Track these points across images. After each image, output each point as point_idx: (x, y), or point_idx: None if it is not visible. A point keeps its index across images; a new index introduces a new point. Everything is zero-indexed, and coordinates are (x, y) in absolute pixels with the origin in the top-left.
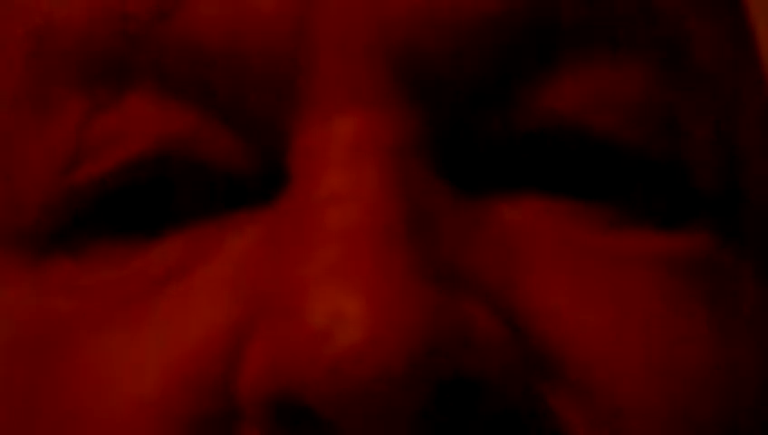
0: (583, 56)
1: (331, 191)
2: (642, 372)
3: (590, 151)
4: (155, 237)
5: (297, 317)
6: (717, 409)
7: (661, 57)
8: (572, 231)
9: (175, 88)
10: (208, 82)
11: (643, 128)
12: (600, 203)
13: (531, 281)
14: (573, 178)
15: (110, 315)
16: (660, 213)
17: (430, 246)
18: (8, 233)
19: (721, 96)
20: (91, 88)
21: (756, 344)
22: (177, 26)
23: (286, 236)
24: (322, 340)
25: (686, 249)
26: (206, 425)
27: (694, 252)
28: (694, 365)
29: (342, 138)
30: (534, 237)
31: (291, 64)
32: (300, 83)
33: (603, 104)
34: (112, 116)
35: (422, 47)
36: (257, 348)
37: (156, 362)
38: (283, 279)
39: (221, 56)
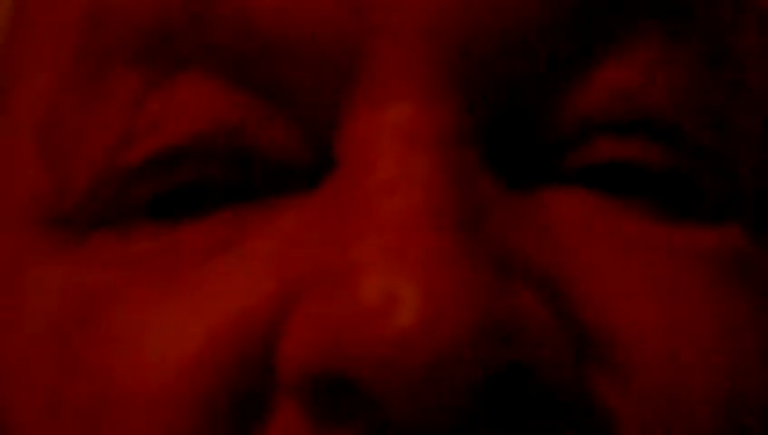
0: (630, 44)
1: (384, 177)
2: (687, 359)
3: (636, 132)
4: (200, 215)
5: (350, 296)
6: (757, 395)
7: (708, 49)
8: (618, 223)
9: (227, 69)
10: (261, 64)
11: (692, 113)
12: (644, 198)
13: (578, 269)
14: (619, 173)
15: (152, 285)
16: (701, 209)
17: (481, 233)
18: (54, 213)
19: (757, 99)
20: (144, 67)
21: None
22: (231, 6)
23: (337, 219)
24: (377, 320)
25: (725, 244)
26: (244, 391)
27: (734, 246)
28: (738, 355)
29: (394, 126)
30: (581, 228)
31: (345, 51)
32: (353, 70)
33: (656, 84)
34: (164, 96)
35: (476, 40)
36: (302, 322)
37: (197, 329)
38: (334, 259)
39: (275, 38)
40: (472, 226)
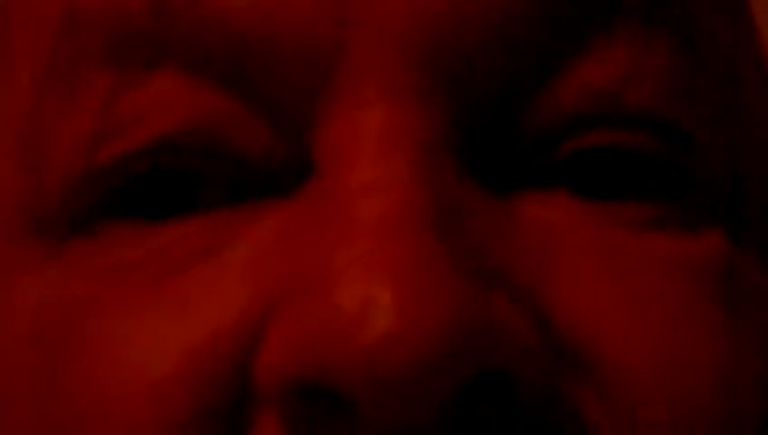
0: (611, 37)
1: (361, 182)
2: (662, 370)
3: (620, 125)
4: (176, 221)
5: (328, 302)
6: (729, 407)
7: (680, 41)
8: (599, 231)
9: (204, 69)
10: (239, 64)
11: (673, 103)
12: (625, 205)
13: (558, 278)
14: (601, 177)
15: (130, 296)
16: (679, 215)
17: (460, 239)
18: (31, 221)
19: (729, 93)
20: (119, 65)
21: (761, 341)
22: (210, 5)
23: (314, 225)
24: (354, 326)
25: (703, 252)
26: (222, 406)
27: (710, 255)
28: (713, 367)
29: (371, 130)
30: (562, 236)
31: (325, 53)
32: (332, 73)
33: (634, 77)
34: (139, 94)
35: (456, 43)
36: (281, 330)
37: (175, 342)
38: (312, 266)
39: (254, 39)
40: (449, 231)
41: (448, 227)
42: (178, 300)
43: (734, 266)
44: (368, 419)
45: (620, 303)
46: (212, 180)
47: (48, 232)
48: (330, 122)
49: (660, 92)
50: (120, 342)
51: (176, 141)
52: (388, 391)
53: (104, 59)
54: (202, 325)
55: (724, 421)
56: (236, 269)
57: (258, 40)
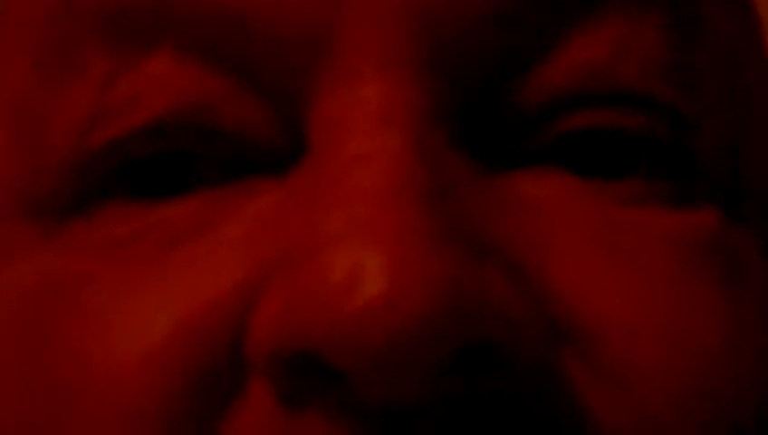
0: (604, 15)
1: (355, 154)
2: (657, 342)
3: (609, 104)
4: (171, 199)
5: (317, 271)
6: (727, 378)
7: (674, 21)
8: (592, 207)
9: (200, 50)
10: (234, 44)
11: (665, 82)
12: (619, 181)
13: (550, 252)
14: (594, 154)
15: (124, 269)
16: (674, 192)
17: (453, 210)
18: (27, 203)
19: (727, 76)
20: (114, 48)
21: (760, 318)
22: None
23: (309, 197)
24: (343, 294)
25: (698, 227)
26: (214, 377)
27: (705, 230)
28: (707, 339)
29: (367, 104)
30: (555, 210)
31: (320, 30)
32: (327, 49)
33: (627, 55)
34: (136, 77)
35: (448, 19)
36: (271, 300)
37: (166, 314)
38: (302, 236)
39: (249, 18)
40: (443, 202)
41: (442, 199)
42: (173, 273)
43: (730, 243)
44: (358, 390)
45: (615, 275)
46: (210, 160)
47: (44, 214)
48: (326, 98)
49: (653, 70)
50: (113, 313)
51: (172, 122)
52: (375, 362)
53: (100, 41)
54: (196, 296)
55: (726, 390)
56: (232, 243)
57: (253, 19)
